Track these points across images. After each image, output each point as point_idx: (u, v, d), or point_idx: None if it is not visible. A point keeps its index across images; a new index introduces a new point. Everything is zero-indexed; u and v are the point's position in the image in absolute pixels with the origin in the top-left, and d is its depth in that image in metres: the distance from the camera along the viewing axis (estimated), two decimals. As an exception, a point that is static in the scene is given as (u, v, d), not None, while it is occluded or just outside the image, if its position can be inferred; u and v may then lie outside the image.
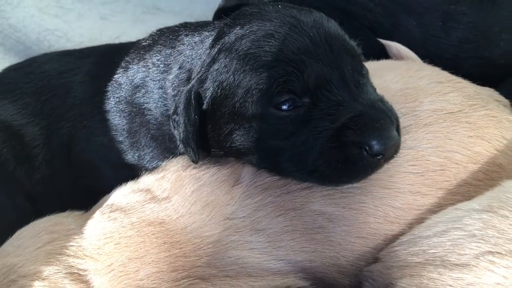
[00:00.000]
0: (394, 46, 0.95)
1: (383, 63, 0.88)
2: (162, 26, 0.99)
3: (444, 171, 0.70)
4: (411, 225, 0.67)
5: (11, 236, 0.74)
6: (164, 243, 0.66)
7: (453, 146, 0.71)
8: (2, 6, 1.52)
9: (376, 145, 0.60)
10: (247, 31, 0.68)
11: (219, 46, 0.70)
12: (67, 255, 0.69)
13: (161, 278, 0.65)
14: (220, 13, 1.06)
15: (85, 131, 0.90)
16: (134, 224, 0.69)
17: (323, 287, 0.67)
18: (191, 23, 0.89)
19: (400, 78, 0.80)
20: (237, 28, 0.70)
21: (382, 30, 0.99)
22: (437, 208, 0.67)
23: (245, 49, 0.66)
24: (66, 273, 0.67)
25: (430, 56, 0.87)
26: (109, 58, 0.94)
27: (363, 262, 0.67)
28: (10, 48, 1.44)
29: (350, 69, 0.66)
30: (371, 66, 0.83)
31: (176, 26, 0.89)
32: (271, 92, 0.64)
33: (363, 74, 0.69)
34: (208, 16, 1.02)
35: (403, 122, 0.71)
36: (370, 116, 0.62)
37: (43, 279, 0.66)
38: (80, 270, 0.67)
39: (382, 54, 0.95)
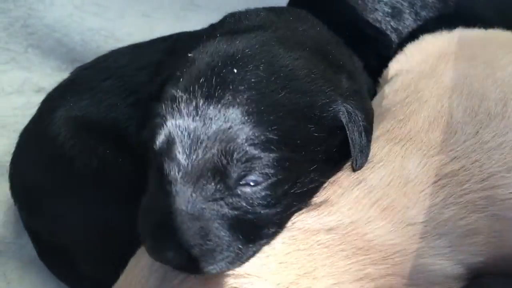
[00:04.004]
0: None
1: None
2: (204, 23, 0.94)
3: None
4: None
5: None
6: (341, 250, 0.60)
7: None
8: (34, 4, 1.39)
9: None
10: None
11: None
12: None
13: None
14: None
15: None
16: (296, 238, 0.62)
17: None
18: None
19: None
20: None
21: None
22: None
23: None
24: None
25: None
26: (183, 44, 0.87)
27: None
28: (49, 51, 1.32)
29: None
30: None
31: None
32: None
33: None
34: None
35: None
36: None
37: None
38: None
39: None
